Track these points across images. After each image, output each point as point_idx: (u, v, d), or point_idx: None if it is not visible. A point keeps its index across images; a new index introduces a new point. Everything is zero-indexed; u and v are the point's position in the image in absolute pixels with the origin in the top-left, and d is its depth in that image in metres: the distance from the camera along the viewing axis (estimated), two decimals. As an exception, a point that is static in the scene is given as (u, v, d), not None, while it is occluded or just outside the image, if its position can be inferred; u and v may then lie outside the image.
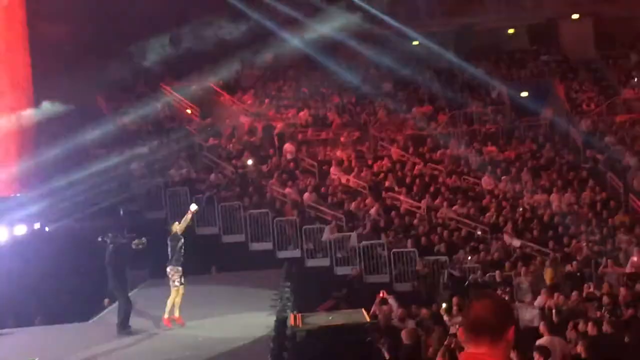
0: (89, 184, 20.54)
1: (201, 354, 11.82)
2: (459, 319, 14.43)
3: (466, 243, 21.16)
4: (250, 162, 25.04)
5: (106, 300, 17.05)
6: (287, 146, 25.66)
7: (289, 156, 25.35)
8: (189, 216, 13.47)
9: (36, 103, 21.22)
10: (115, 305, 14.09)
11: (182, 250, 13.29)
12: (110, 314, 15.10)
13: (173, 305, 13.48)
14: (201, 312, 14.30)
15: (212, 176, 24.05)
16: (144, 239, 13.12)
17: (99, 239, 13.10)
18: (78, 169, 20.89)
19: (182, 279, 13.33)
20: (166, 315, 13.47)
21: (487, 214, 22.51)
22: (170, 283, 13.36)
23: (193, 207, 13.70)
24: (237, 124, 27.71)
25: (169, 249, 13.27)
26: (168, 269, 13.32)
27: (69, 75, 20.21)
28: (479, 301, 3.28)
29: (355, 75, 28.64)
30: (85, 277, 17.86)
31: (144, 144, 24.57)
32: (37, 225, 19.57)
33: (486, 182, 24.25)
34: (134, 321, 13.61)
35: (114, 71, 24.00)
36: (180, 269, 13.28)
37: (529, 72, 30.65)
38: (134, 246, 13.10)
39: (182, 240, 13.31)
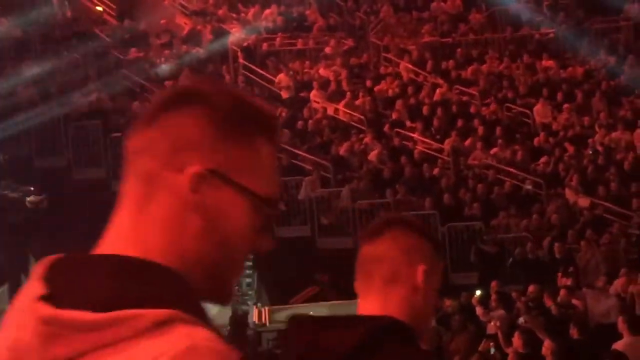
0: None
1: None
2: (499, 312, 14.58)
3: (510, 202, 21.27)
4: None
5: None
6: (282, 77, 25.28)
7: (284, 94, 24.97)
8: None
9: None
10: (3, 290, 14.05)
11: None
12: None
13: None
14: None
15: (136, 105, 23.94)
16: (43, 196, 13.11)
17: None
18: None
19: None
20: None
21: (542, 160, 22.59)
22: None
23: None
24: (173, 27, 27.54)
25: None
26: None
27: None
28: None
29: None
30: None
31: (34, 59, 24.34)
32: None
33: (540, 112, 24.27)
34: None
35: None
36: None
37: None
38: (29, 204, 13.08)
39: None
